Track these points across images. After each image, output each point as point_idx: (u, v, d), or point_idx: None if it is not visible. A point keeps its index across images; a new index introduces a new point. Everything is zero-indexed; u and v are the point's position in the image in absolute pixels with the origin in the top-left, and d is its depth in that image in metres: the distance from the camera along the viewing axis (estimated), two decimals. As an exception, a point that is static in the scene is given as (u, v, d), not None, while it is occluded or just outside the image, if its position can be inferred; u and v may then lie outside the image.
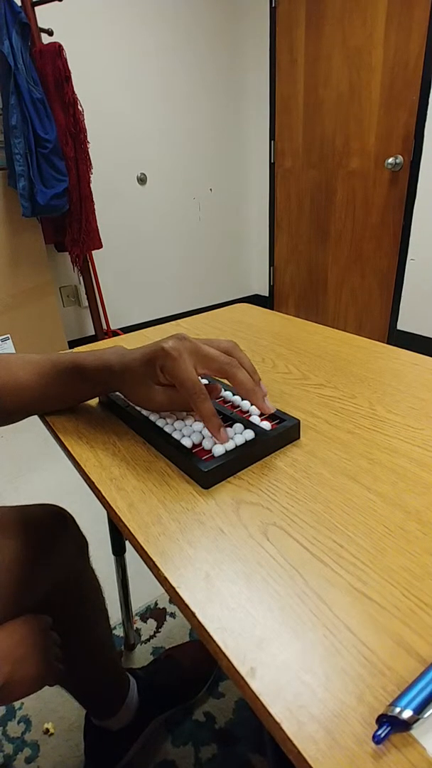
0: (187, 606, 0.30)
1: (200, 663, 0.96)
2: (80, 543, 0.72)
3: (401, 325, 2.47)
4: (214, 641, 0.28)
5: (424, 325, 2.37)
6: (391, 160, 2.23)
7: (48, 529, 0.63)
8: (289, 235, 2.95)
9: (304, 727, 0.23)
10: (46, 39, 1.90)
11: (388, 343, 2.58)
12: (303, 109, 2.58)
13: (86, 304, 2.45)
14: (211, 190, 2.91)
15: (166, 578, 0.33)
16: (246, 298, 3.39)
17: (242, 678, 0.26)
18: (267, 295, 3.29)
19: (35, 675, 0.49)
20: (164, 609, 1.16)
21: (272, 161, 2.88)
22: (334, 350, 0.70)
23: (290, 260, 3.01)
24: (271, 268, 3.17)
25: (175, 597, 0.32)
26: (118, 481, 0.43)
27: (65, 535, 0.66)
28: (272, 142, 2.83)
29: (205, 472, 0.41)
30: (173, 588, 0.32)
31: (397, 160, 2.22)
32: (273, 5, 2.54)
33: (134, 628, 1.11)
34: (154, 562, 0.34)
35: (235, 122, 2.87)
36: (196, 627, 0.30)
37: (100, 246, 2.16)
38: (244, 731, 0.90)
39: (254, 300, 3.41)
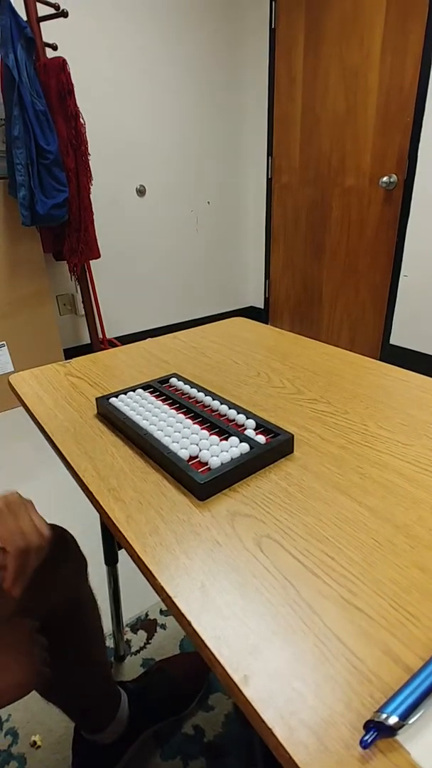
0: (182, 615, 0.31)
1: (192, 676, 0.96)
2: (80, 564, 0.70)
3: (394, 340, 2.50)
4: (209, 649, 0.29)
5: (416, 340, 2.40)
6: (385, 178, 2.28)
7: (49, 555, 0.62)
8: (285, 249, 3.00)
9: (295, 733, 0.24)
10: (50, 53, 1.93)
11: (380, 356, 2.61)
12: (300, 127, 2.64)
13: (83, 312, 2.46)
14: (208, 203, 2.95)
15: (162, 587, 0.34)
16: (241, 309, 3.43)
17: (236, 685, 0.27)
18: (262, 307, 3.32)
19: (21, 681, 0.48)
20: (155, 620, 1.15)
21: (269, 177, 2.93)
22: (328, 366, 0.72)
23: (285, 273, 3.05)
24: (267, 280, 3.21)
25: (171, 606, 0.33)
26: (116, 492, 0.44)
27: (66, 560, 0.65)
28: (270, 158, 2.89)
29: (201, 484, 0.42)
30: (169, 597, 0.33)
31: (392, 179, 2.27)
32: (273, 27, 2.60)
33: (124, 639, 1.10)
34: (150, 572, 0.35)
35: (234, 138, 2.93)
36: (191, 635, 0.31)
37: (98, 256, 2.18)
38: (233, 745, 0.90)
39: (249, 312, 3.44)
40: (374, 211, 2.42)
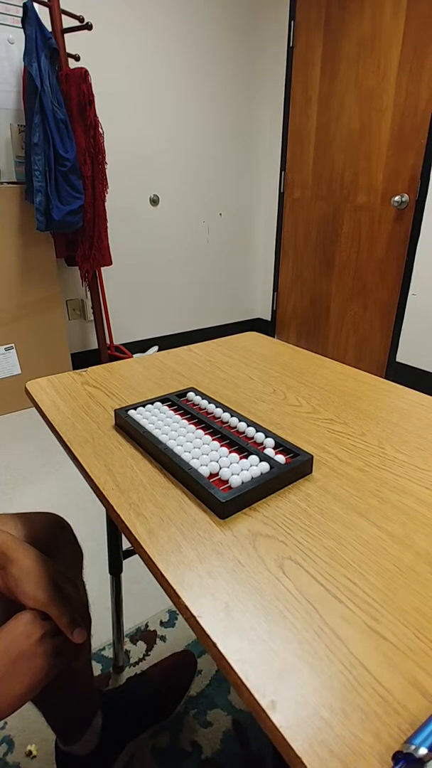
0: (207, 636, 0.32)
1: (173, 676, 0.91)
2: (77, 553, 0.70)
3: (400, 357, 2.51)
4: (235, 672, 0.29)
5: (423, 358, 2.41)
6: (397, 198, 2.30)
7: (49, 537, 0.62)
8: (295, 263, 3.02)
9: (324, 763, 0.24)
10: (72, 63, 1.97)
11: (386, 374, 2.62)
12: (314, 144, 2.67)
13: (91, 318, 2.48)
14: (220, 214, 2.98)
15: (186, 607, 0.34)
16: (249, 321, 3.44)
17: (263, 710, 0.27)
18: (269, 319, 3.34)
19: (21, 692, 0.43)
20: (154, 632, 1.15)
21: (282, 191, 2.96)
22: (342, 385, 0.73)
23: (294, 287, 3.07)
24: (275, 293, 3.23)
25: (195, 626, 0.33)
26: (137, 507, 0.44)
27: (65, 544, 0.65)
28: (283, 172, 2.92)
29: (223, 503, 0.42)
30: (194, 617, 0.33)
31: (403, 199, 2.29)
32: (290, 45, 2.65)
33: (124, 650, 1.09)
34: (174, 590, 0.35)
35: (248, 151, 2.97)
36: (216, 657, 0.31)
37: (110, 263, 2.20)
38: (231, 762, 0.89)
39: (257, 323, 3.46)
40: (385, 230, 2.44)
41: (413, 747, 0.24)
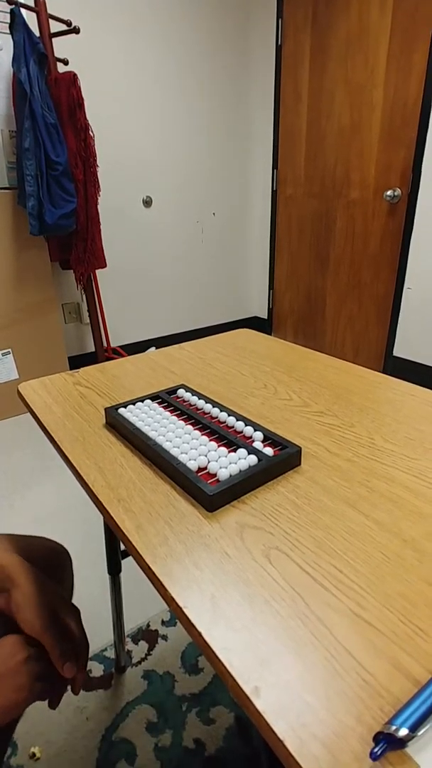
0: (193, 626, 0.32)
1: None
2: (72, 583, 0.69)
3: (397, 352, 2.51)
4: (220, 661, 0.29)
5: (420, 352, 2.41)
6: (389, 192, 2.30)
7: (53, 564, 0.62)
8: (289, 261, 3.02)
9: (306, 745, 0.25)
10: (61, 68, 1.97)
11: (383, 368, 2.62)
12: (306, 141, 2.67)
13: (88, 321, 2.48)
14: (214, 214, 2.98)
15: (173, 598, 0.34)
16: (245, 320, 3.44)
17: (247, 697, 0.27)
18: (266, 317, 3.34)
19: (2, 705, 0.43)
20: (156, 631, 1.15)
21: (274, 189, 2.96)
22: (334, 379, 0.73)
23: (290, 285, 3.08)
24: (271, 291, 3.23)
25: (181, 617, 0.33)
26: (126, 503, 0.45)
27: (67, 573, 0.65)
28: (275, 170, 2.92)
29: (210, 495, 0.42)
30: (180, 608, 0.33)
31: (396, 193, 2.30)
32: (279, 43, 2.65)
33: (125, 650, 1.10)
34: (161, 583, 0.35)
35: (240, 150, 2.97)
36: (202, 646, 0.31)
37: (104, 265, 2.20)
38: (234, 759, 0.89)
39: (253, 322, 3.46)
40: (378, 224, 2.44)
41: (394, 728, 0.25)
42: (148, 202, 2.66)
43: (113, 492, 0.46)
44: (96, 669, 1.05)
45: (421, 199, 2.20)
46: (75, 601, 0.58)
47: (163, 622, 1.16)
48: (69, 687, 0.50)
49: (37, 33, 1.80)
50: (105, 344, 2.60)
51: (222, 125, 2.83)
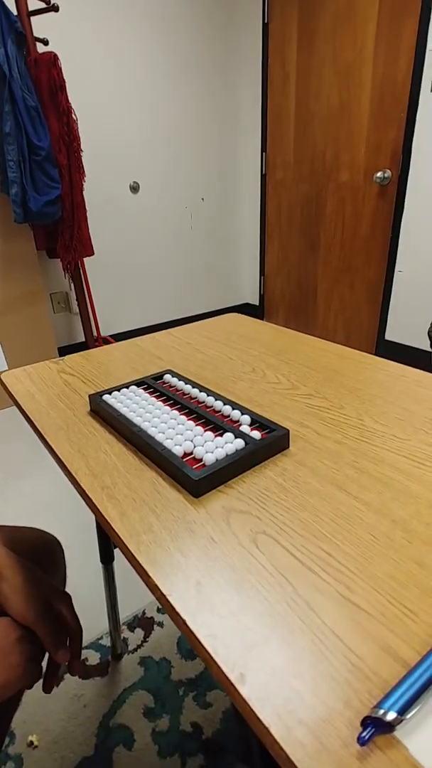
0: (177, 614, 0.31)
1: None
2: (65, 572, 0.69)
3: (389, 335, 2.51)
4: (204, 648, 0.28)
5: (411, 334, 2.40)
6: (379, 174, 2.27)
7: (45, 554, 0.61)
8: (280, 246, 2.99)
9: (292, 732, 0.24)
10: (41, 48, 1.91)
11: (375, 352, 2.62)
12: (294, 123, 2.62)
13: (77, 310, 2.45)
14: (203, 199, 2.93)
15: (156, 586, 0.33)
16: (237, 306, 3.42)
17: (232, 684, 0.26)
18: (257, 304, 3.32)
19: (9, 679, 0.44)
20: (152, 618, 1.15)
21: (264, 173, 2.92)
22: (324, 361, 0.72)
23: (281, 270, 3.05)
24: (262, 277, 3.21)
25: (165, 605, 0.32)
26: (110, 490, 0.44)
27: (55, 566, 0.64)
28: (264, 154, 2.87)
29: (195, 480, 0.41)
30: (164, 596, 0.32)
31: (386, 174, 2.27)
32: (266, 21, 2.59)
33: (121, 638, 1.10)
34: (145, 570, 0.34)
35: (228, 134, 2.91)
36: (187, 634, 0.30)
37: (91, 253, 2.17)
38: (231, 742, 0.89)
39: (245, 308, 3.43)
40: (369, 207, 2.41)
41: (382, 711, 0.24)
42: (135, 188, 2.61)
43: (97, 480, 0.45)
44: (92, 657, 1.05)
45: (411, 180, 2.18)
46: (70, 590, 0.57)
47: (158, 609, 1.16)
48: (67, 668, 0.50)
49: (14, 11, 1.74)
50: (95, 334, 2.57)
51: (210, 108, 2.77)
